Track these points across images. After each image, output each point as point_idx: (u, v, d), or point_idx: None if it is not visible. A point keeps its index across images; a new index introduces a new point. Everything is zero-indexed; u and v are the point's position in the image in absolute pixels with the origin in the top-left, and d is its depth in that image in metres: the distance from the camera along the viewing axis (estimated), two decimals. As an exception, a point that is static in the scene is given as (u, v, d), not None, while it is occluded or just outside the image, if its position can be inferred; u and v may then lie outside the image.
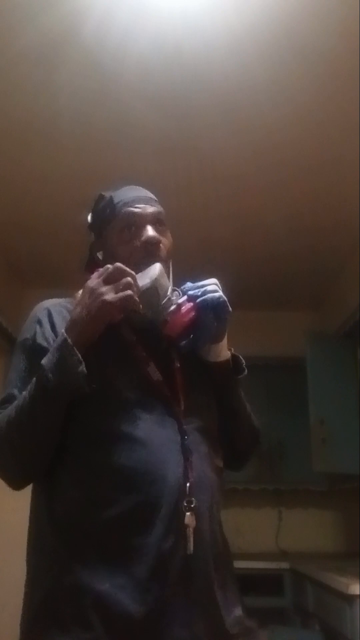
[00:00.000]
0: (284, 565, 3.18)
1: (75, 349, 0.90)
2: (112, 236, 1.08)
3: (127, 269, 0.95)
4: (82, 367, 0.90)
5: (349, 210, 2.78)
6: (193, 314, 0.99)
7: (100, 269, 0.97)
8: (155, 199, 1.13)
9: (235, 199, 2.79)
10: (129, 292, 0.92)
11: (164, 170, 2.48)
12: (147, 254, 1.04)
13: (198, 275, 1.08)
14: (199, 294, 1.00)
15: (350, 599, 2.13)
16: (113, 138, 2.36)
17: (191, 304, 1.00)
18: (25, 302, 3.85)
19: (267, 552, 3.55)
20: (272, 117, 2.22)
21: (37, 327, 1.03)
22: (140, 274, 0.99)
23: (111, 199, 1.11)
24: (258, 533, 3.62)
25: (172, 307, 0.99)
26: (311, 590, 2.75)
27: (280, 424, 3.45)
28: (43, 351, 0.97)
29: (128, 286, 0.92)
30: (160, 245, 1.06)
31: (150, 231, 1.05)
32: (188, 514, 0.89)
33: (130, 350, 1.01)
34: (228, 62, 1.96)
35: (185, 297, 1.01)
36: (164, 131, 2.32)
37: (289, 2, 1.75)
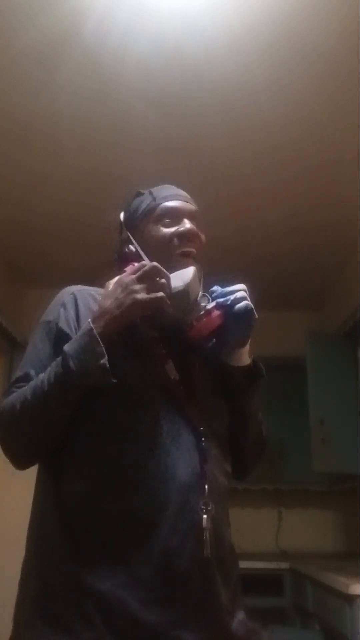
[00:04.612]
0: (284, 565, 3.18)
1: (100, 340, 0.89)
2: (149, 227, 1.09)
3: (163, 270, 0.95)
4: (105, 360, 0.88)
5: (349, 210, 2.78)
6: (220, 321, 1.00)
7: (136, 264, 0.97)
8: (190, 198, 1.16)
9: (236, 199, 2.78)
10: (161, 294, 0.92)
11: (163, 170, 2.46)
12: (184, 247, 1.05)
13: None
14: (228, 302, 1.00)
15: (350, 599, 2.13)
16: (113, 138, 2.35)
17: (219, 311, 1.00)
18: (25, 302, 3.87)
19: (267, 552, 3.55)
20: (272, 117, 2.22)
21: (62, 310, 1.03)
22: (174, 274, 0.99)
23: (150, 193, 1.13)
24: (258, 533, 3.61)
25: (201, 312, 1.00)
26: (311, 590, 2.75)
27: (280, 424, 3.44)
28: (64, 336, 0.97)
29: (161, 288, 0.93)
30: (196, 239, 1.08)
31: (187, 223, 1.07)
32: (205, 516, 0.88)
33: (150, 347, 1.00)
34: (228, 62, 1.96)
35: (213, 304, 1.01)
36: (164, 131, 2.32)
37: (289, 2, 1.75)
